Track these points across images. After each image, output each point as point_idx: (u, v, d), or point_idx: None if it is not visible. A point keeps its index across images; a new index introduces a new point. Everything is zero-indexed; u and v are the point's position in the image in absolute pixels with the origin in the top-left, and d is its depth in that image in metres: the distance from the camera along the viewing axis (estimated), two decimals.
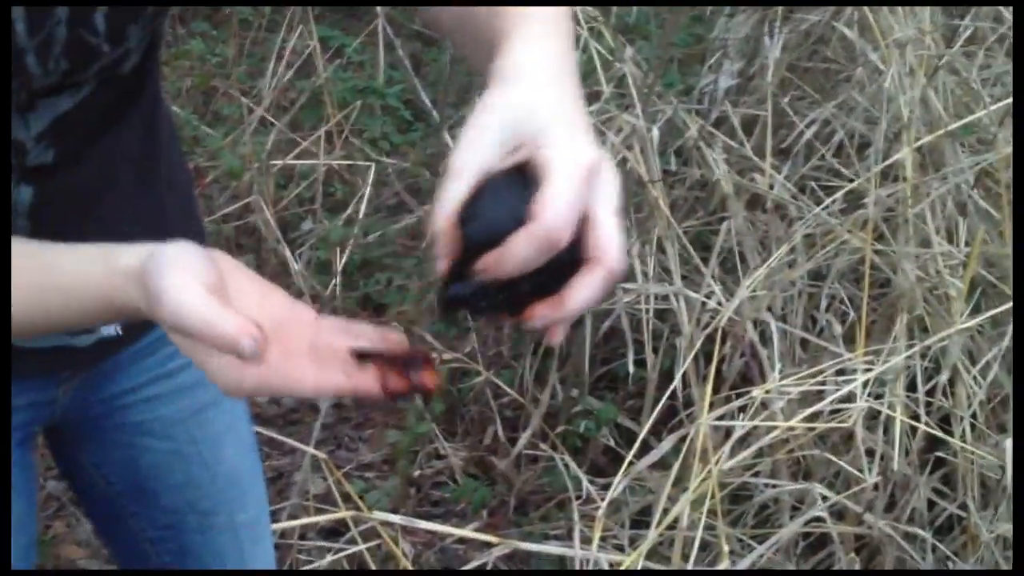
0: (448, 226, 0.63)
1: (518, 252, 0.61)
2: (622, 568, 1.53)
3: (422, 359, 0.67)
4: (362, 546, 1.57)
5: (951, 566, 1.89)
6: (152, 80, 0.94)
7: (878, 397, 1.78)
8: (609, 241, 0.63)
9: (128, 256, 0.66)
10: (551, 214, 0.61)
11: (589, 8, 2.36)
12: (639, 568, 1.54)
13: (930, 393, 1.92)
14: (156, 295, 0.62)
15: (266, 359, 0.62)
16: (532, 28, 0.70)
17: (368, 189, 2.73)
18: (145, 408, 1.07)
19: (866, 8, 2.34)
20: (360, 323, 0.69)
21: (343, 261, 2.61)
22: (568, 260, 0.64)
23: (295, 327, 0.67)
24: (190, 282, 0.61)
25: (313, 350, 0.66)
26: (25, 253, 0.71)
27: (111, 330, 0.98)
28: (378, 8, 3.13)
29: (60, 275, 0.69)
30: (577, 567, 1.56)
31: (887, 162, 2.10)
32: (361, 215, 2.71)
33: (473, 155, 0.64)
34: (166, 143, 1.00)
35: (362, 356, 0.67)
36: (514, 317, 0.66)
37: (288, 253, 2.68)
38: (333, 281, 2.63)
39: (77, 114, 0.85)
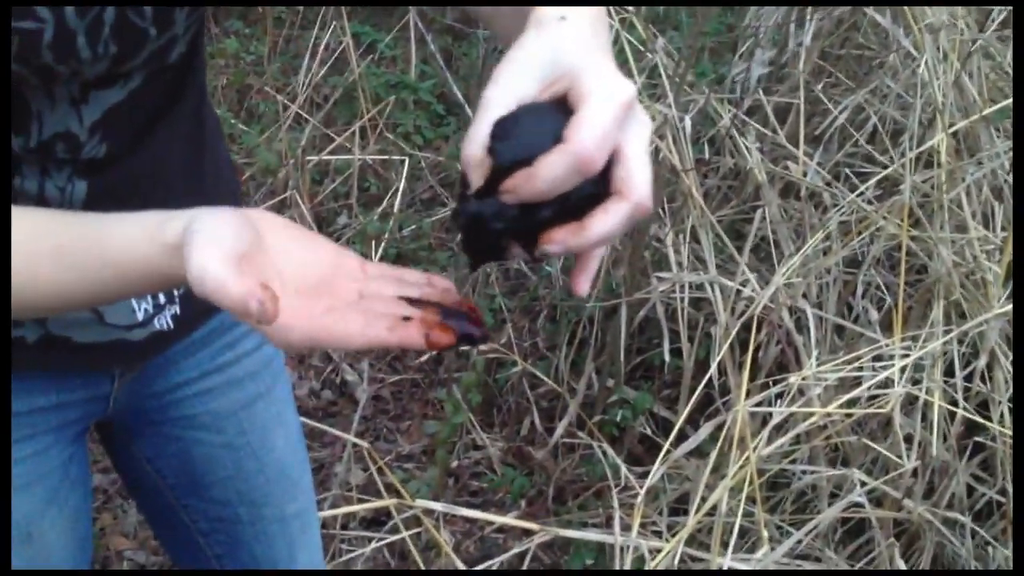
0: (480, 154, 0.62)
1: (549, 171, 0.60)
2: (662, 553, 1.55)
3: (467, 310, 0.67)
4: (405, 534, 1.60)
5: (990, 551, 1.89)
6: (198, 74, 0.96)
7: (915, 383, 1.79)
8: (637, 176, 0.62)
9: (171, 228, 0.68)
10: (586, 135, 0.60)
11: None
12: (676, 562, 1.56)
13: (968, 378, 1.92)
14: (186, 264, 0.64)
15: (310, 313, 0.64)
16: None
17: (402, 183, 2.76)
18: (197, 402, 1.10)
19: None
20: (407, 270, 0.70)
21: (379, 255, 2.64)
22: (593, 193, 0.62)
23: (342, 279, 0.68)
24: (212, 250, 0.63)
25: (362, 300, 0.67)
26: (77, 232, 0.73)
27: (164, 324, 1.00)
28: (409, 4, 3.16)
29: (111, 250, 0.70)
30: (617, 554, 1.57)
31: (922, 148, 2.09)
32: (396, 209, 2.74)
33: (508, 89, 0.63)
34: (211, 137, 1.03)
35: (412, 304, 0.67)
36: (528, 247, 0.64)
37: None
38: None
39: (128, 106, 0.87)
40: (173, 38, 0.83)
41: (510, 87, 0.63)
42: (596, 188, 0.62)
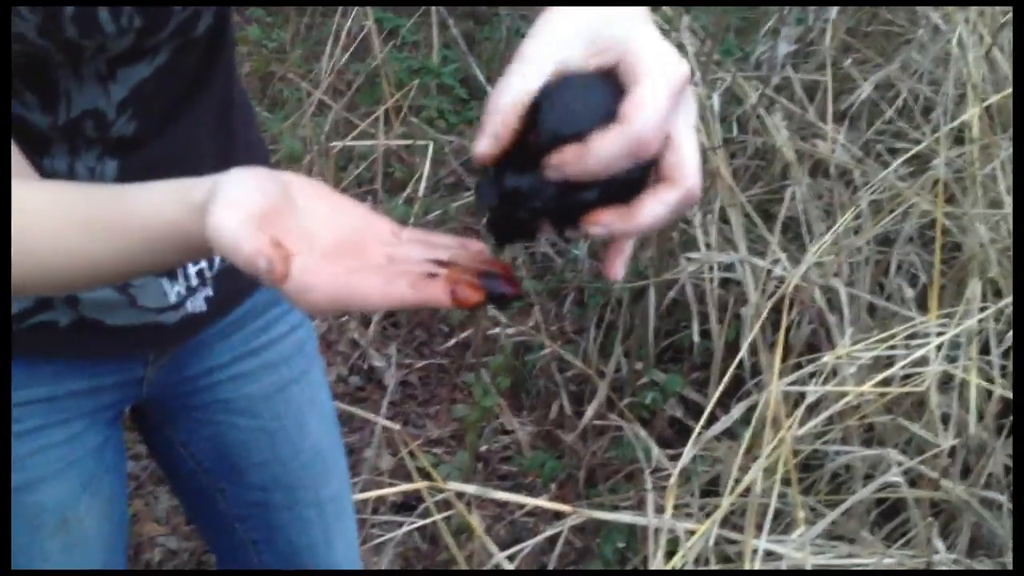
0: (514, 108, 0.58)
1: (604, 151, 0.57)
2: (691, 542, 1.53)
3: (499, 269, 0.63)
4: (436, 516, 1.59)
5: None
6: (226, 52, 0.95)
7: (951, 361, 1.76)
8: (689, 162, 0.60)
9: (198, 191, 0.66)
10: (646, 118, 0.57)
11: None
12: (711, 544, 1.54)
13: (1005, 356, 1.89)
14: (205, 223, 0.62)
15: (332, 273, 0.61)
16: None
17: (427, 168, 2.74)
18: (231, 386, 1.10)
19: None
20: (440, 234, 0.67)
21: None
22: (639, 178, 0.59)
23: (370, 241, 0.66)
24: (230, 209, 0.61)
25: (390, 262, 0.64)
26: (103, 202, 0.71)
27: (197, 307, 0.99)
28: None
29: (138, 216, 0.69)
30: (651, 535, 1.56)
31: (955, 123, 2.06)
32: (421, 194, 2.73)
33: (551, 47, 0.60)
34: (241, 118, 1.02)
35: (441, 266, 0.63)
36: (564, 228, 0.60)
37: None
38: None
39: (156, 83, 0.86)
40: (198, 10, 0.82)
41: (554, 46, 0.60)
42: (641, 172, 0.59)
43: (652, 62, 0.59)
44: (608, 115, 0.57)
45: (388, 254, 0.65)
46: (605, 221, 0.60)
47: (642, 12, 0.63)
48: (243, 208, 0.62)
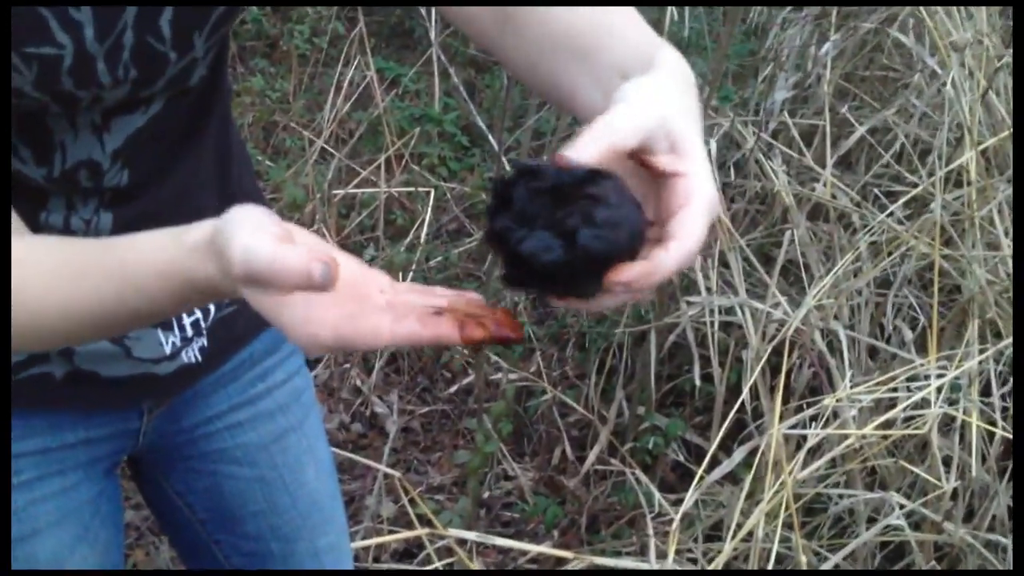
0: (621, 142, 0.63)
1: (667, 270, 0.63)
2: None
3: (501, 314, 0.66)
4: (438, 563, 1.58)
5: None
6: (220, 101, 0.97)
7: (952, 403, 1.76)
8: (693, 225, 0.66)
9: (196, 231, 0.65)
10: (695, 240, 0.64)
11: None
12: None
13: (1006, 398, 1.89)
14: (226, 250, 0.61)
15: (338, 310, 0.62)
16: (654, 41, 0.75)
17: (428, 214, 2.76)
18: (228, 435, 1.10)
19: (923, 11, 2.32)
20: (437, 287, 0.68)
21: None
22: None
23: (371, 288, 0.66)
24: (256, 230, 0.61)
25: (390, 307, 0.65)
26: (95, 249, 0.71)
27: (192, 357, 1.00)
28: (432, 38, 3.18)
29: (131, 262, 0.68)
30: None
31: (951, 166, 2.07)
32: (422, 240, 2.74)
33: (615, 127, 0.64)
34: (238, 167, 1.03)
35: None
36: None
37: None
38: None
39: (149, 132, 0.87)
40: (193, 61, 0.84)
41: (616, 126, 0.64)
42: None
43: (701, 186, 0.65)
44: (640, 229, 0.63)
45: (388, 300, 0.66)
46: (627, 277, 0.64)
47: (697, 114, 0.69)
48: (268, 231, 0.61)
